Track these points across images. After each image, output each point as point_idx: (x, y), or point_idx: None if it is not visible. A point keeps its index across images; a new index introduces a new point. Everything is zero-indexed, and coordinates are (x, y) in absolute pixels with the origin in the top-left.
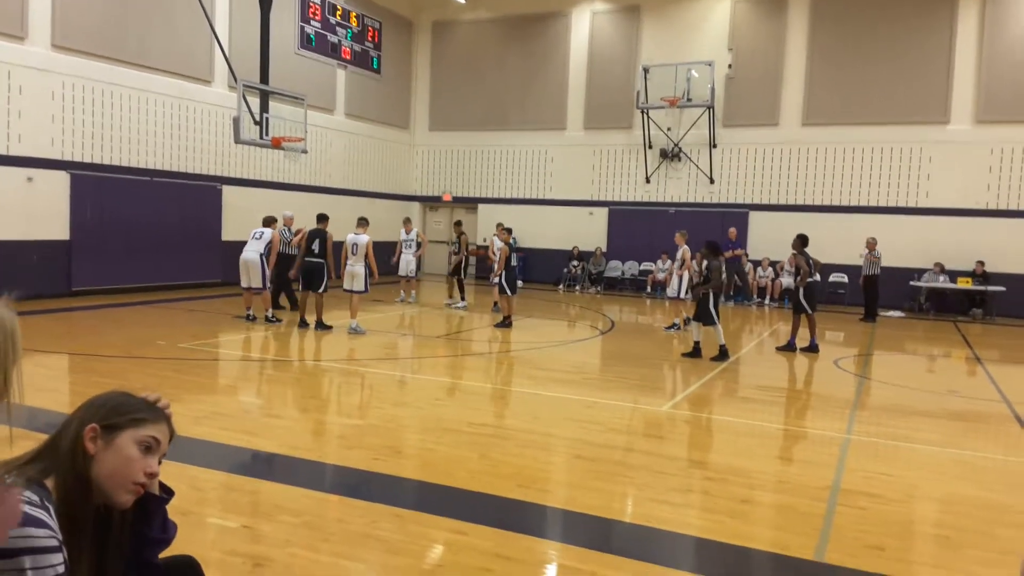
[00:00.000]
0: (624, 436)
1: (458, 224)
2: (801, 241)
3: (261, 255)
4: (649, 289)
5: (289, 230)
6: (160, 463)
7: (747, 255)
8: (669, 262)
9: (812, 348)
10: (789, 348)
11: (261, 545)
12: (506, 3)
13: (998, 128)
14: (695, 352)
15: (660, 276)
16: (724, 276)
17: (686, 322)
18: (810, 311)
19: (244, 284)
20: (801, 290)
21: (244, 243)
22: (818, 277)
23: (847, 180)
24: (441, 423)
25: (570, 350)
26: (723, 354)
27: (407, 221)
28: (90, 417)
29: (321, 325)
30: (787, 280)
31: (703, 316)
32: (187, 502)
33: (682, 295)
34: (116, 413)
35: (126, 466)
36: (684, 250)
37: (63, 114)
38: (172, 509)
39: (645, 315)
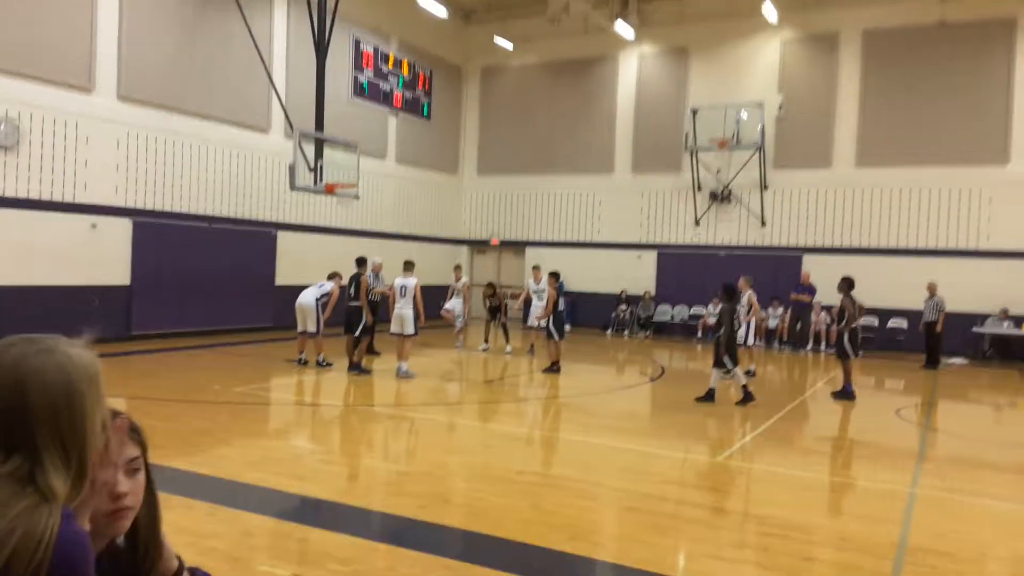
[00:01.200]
0: (677, 487)
1: (490, 286)
2: (848, 284)
3: (317, 300)
4: (700, 334)
5: (377, 276)
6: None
7: (820, 303)
8: (720, 306)
9: (847, 394)
10: (846, 395)
11: None
12: (554, 48)
13: None
14: (708, 397)
15: (711, 320)
16: (737, 321)
17: (748, 373)
18: (853, 355)
19: (300, 328)
20: (846, 334)
21: (298, 288)
22: (861, 321)
23: (904, 222)
24: (490, 471)
25: (620, 397)
26: (747, 396)
27: (457, 268)
28: None
29: (356, 367)
30: (820, 326)
31: (719, 364)
32: (238, 548)
33: (750, 342)
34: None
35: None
36: (750, 295)
37: (127, 163)
38: (223, 554)
39: (696, 360)
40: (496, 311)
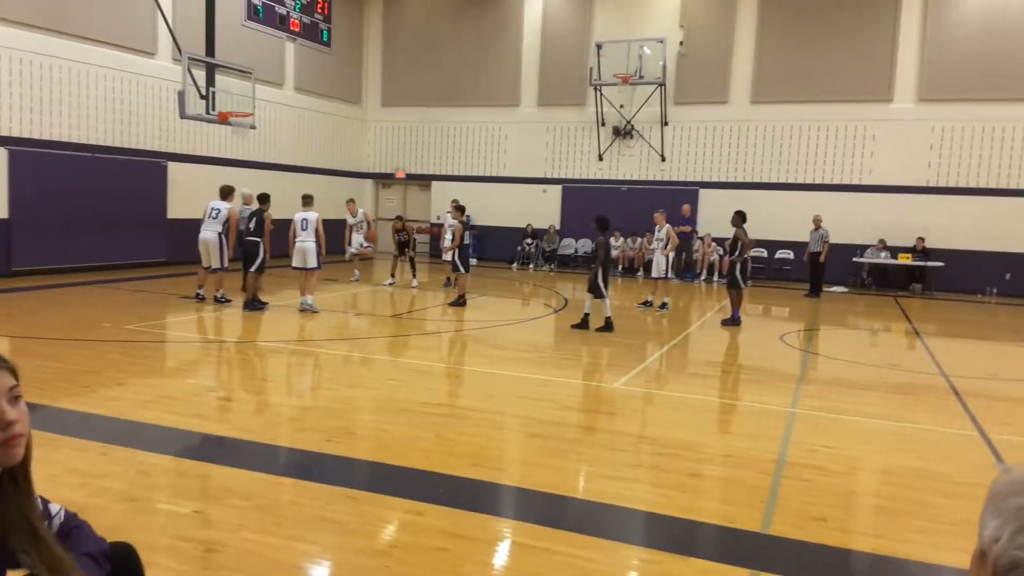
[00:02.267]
0: (577, 414)
1: (398, 219)
2: (740, 217)
3: (220, 234)
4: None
5: (250, 209)
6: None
7: (696, 232)
8: (622, 239)
9: (735, 321)
10: (734, 322)
11: (212, 530)
12: None
13: (940, 106)
14: (583, 324)
15: (614, 254)
16: (610, 251)
17: (662, 306)
18: (743, 285)
19: (204, 264)
20: (738, 265)
21: (191, 221)
22: (751, 253)
23: (794, 158)
24: (395, 404)
25: (524, 328)
26: (608, 325)
27: (351, 202)
28: None
29: (255, 304)
30: (714, 257)
31: (593, 289)
32: (136, 487)
33: (669, 274)
34: None
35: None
36: (668, 229)
37: (0, 88)
38: (119, 494)
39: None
40: (404, 245)
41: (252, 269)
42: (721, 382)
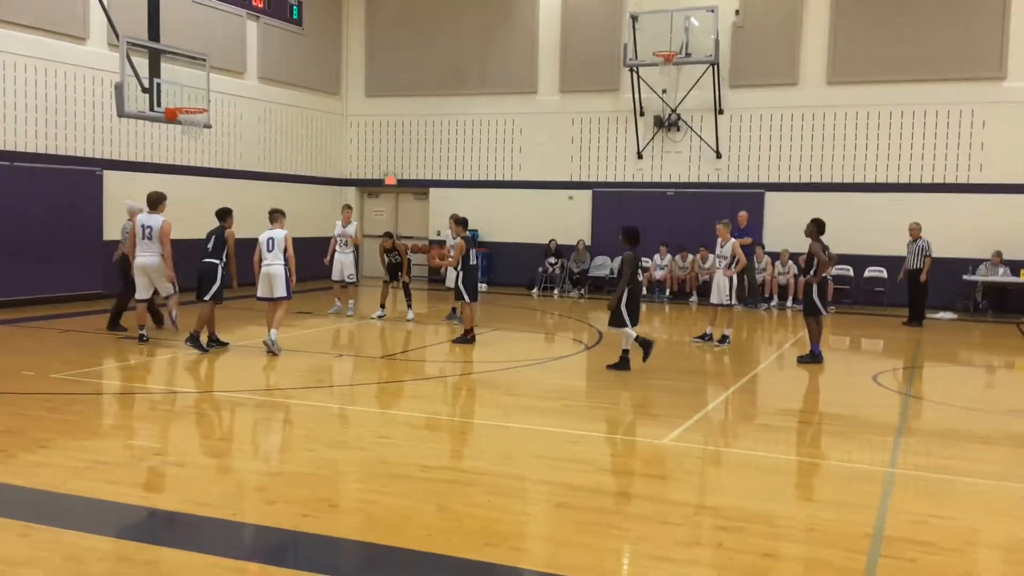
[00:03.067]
0: (617, 478)
1: (387, 236)
2: (817, 227)
3: (161, 255)
4: (645, 290)
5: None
6: None
7: (762, 247)
8: (668, 256)
9: (814, 357)
10: (814, 358)
11: None
12: None
13: None
14: (621, 363)
15: (658, 274)
16: (639, 271)
17: (722, 340)
18: (824, 312)
19: (141, 295)
20: (815, 287)
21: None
22: (833, 271)
23: (883, 152)
24: (387, 467)
25: (548, 370)
26: (622, 362)
27: (346, 208)
28: None
29: (208, 342)
30: (783, 279)
31: (614, 317)
32: None
33: (733, 300)
34: None
35: None
36: (733, 244)
37: None
38: None
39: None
40: (396, 269)
41: (207, 297)
42: (799, 436)
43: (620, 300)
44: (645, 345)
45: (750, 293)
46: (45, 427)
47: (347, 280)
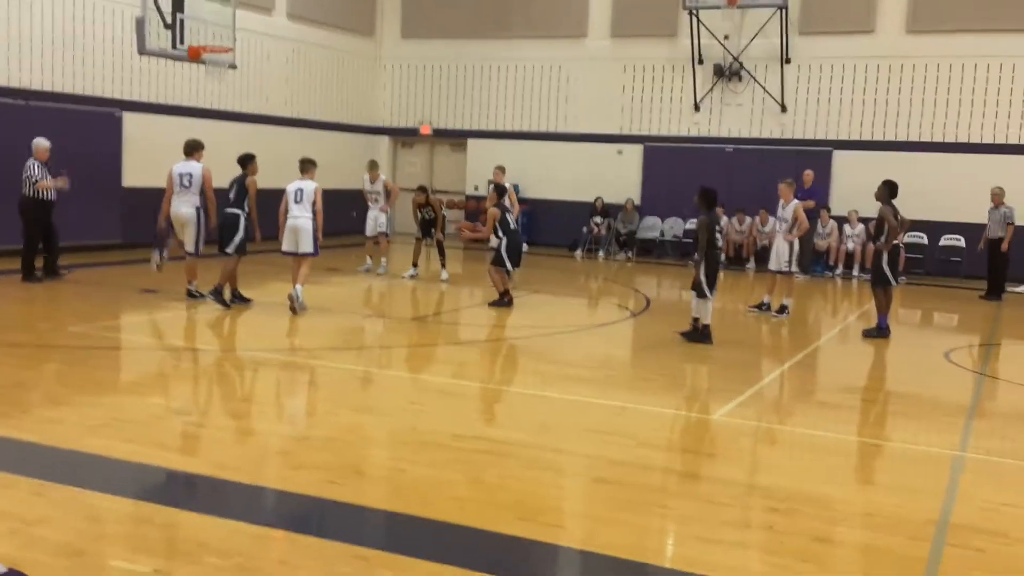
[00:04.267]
0: (662, 453)
1: (421, 191)
2: (889, 190)
3: (198, 208)
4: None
5: (42, 165)
6: None
7: (827, 210)
8: (725, 219)
9: (881, 331)
10: (881, 333)
11: None
12: None
13: None
14: (693, 333)
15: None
16: (718, 236)
17: (781, 310)
18: (894, 282)
19: (189, 248)
20: (885, 255)
21: (154, 191)
22: (905, 238)
23: (967, 109)
24: (417, 435)
25: (591, 337)
26: (700, 333)
27: (373, 166)
28: None
29: (234, 297)
30: (851, 244)
31: (696, 286)
32: (82, 538)
33: (793, 267)
34: None
35: None
36: (796, 206)
37: None
38: (60, 546)
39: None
40: (430, 225)
41: (229, 249)
42: (862, 415)
43: (700, 268)
44: (699, 333)
45: (815, 258)
46: (61, 381)
47: (380, 233)
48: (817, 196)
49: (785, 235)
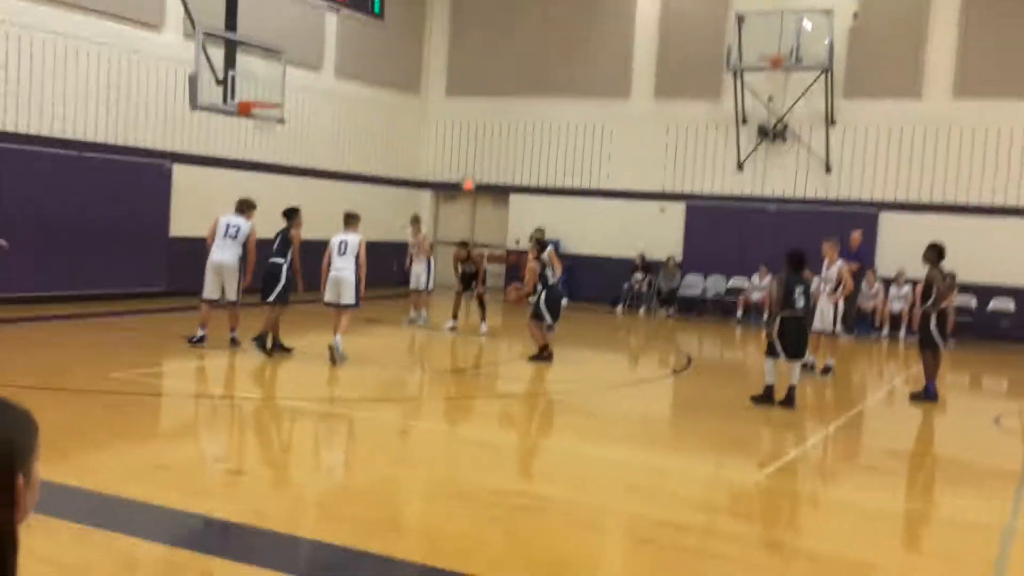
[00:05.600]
0: (704, 514)
1: (463, 246)
2: (936, 253)
3: (240, 258)
4: (740, 314)
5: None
6: None
7: (873, 271)
8: (768, 278)
9: (929, 394)
10: (928, 396)
11: None
12: None
13: None
14: (765, 396)
15: (755, 297)
16: (800, 297)
17: (825, 370)
18: (942, 345)
19: (209, 294)
20: (933, 317)
21: (200, 240)
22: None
23: (1014, 172)
24: (454, 488)
25: (631, 394)
26: (767, 396)
27: (414, 221)
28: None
29: (273, 346)
30: (897, 305)
31: (770, 348)
32: None
33: (838, 328)
34: (26, 439)
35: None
36: (841, 267)
37: None
38: None
39: (734, 348)
40: (471, 279)
41: (271, 299)
42: (908, 480)
43: (772, 327)
44: (766, 396)
45: (859, 319)
46: (102, 427)
47: (419, 288)
48: (863, 258)
49: (829, 296)
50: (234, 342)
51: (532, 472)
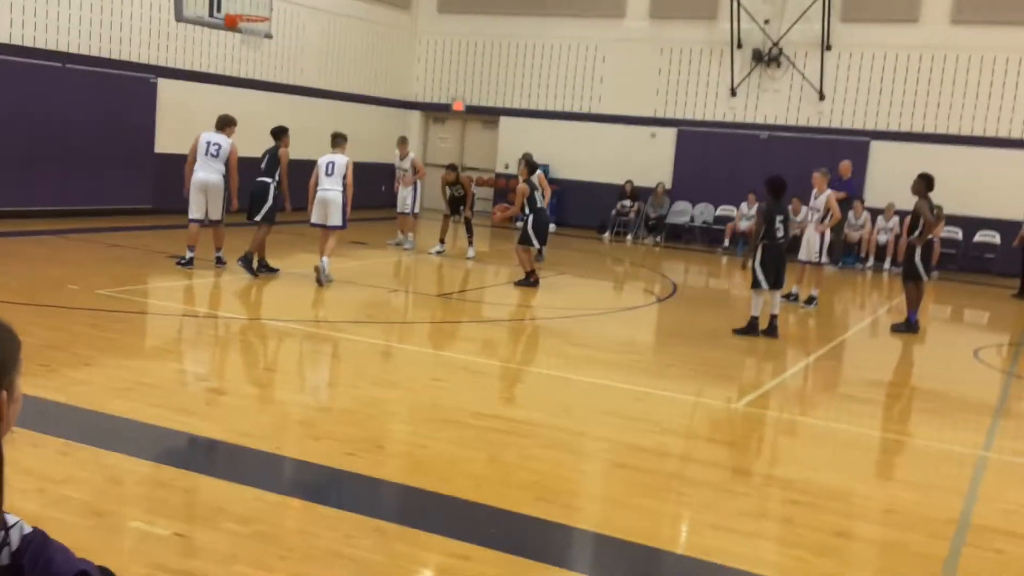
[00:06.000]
0: (682, 440)
1: (451, 169)
2: (926, 183)
3: (224, 176)
4: (727, 242)
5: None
6: None
7: (861, 201)
8: (757, 206)
9: (910, 326)
10: (910, 328)
11: (198, 560)
12: None
13: None
14: (748, 328)
15: (743, 225)
16: (780, 226)
17: (809, 301)
18: (926, 277)
19: (195, 214)
20: (918, 249)
21: (183, 156)
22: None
23: (1009, 103)
24: (438, 411)
25: (615, 321)
26: (753, 327)
27: (402, 142)
28: None
29: (261, 266)
30: (883, 237)
31: (753, 278)
32: (103, 499)
33: (823, 258)
34: (8, 353)
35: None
36: (829, 196)
37: None
38: (82, 505)
39: (720, 277)
40: (459, 202)
41: (258, 218)
42: (886, 410)
43: (754, 257)
44: (750, 328)
45: (846, 250)
46: (88, 344)
47: (405, 211)
48: (852, 187)
49: (817, 225)
50: (219, 261)
51: (514, 397)
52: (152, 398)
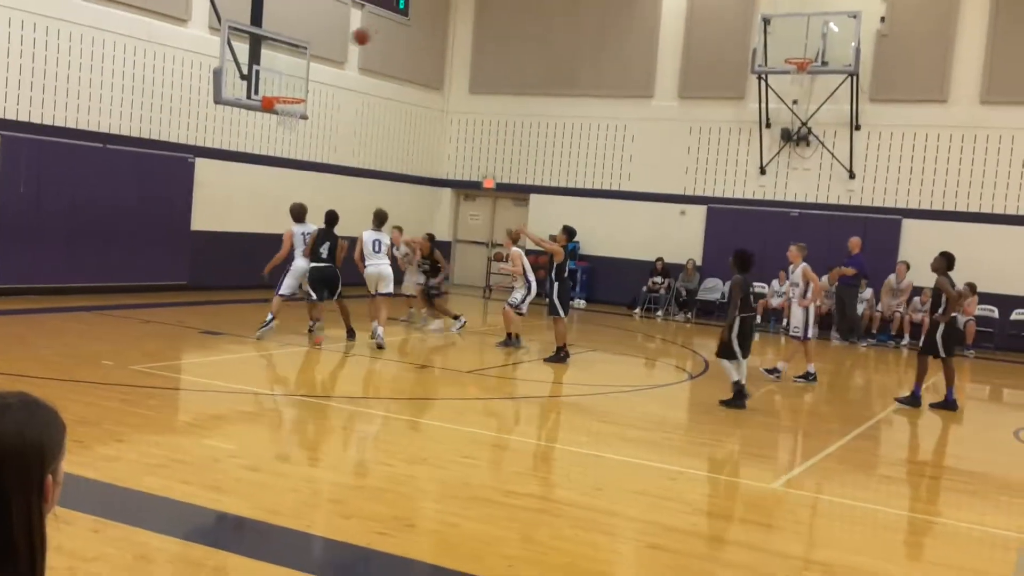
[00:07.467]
0: (716, 521)
1: (429, 239)
2: (946, 261)
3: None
4: (759, 319)
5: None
6: None
7: (866, 278)
8: (788, 283)
9: (949, 404)
10: (913, 402)
11: None
12: None
13: None
14: (736, 399)
15: (775, 302)
16: (750, 297)
17: (807, 376)
18: (945, 355)
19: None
20: (942, 326)
21: (220, 234)
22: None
23: None
24: (469, 489)
25: (646, 398)
26: (738, 396)
27: (395, 229)
28: (42, 460)
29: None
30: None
31: (724, 349)
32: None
33: (809, 334)
34: (55, 440)
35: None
36: (804, 268)
37: None
38: None
39: (753, 354)
40: (429, 275)
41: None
42: (925, 491)
43: (731, 329)
44: (738, 396)
45: (840, 326)
46: (121, 420)
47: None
48: (860, 263)
49: (799, 300)
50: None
51: (546, 475)
52: (183, 475)
